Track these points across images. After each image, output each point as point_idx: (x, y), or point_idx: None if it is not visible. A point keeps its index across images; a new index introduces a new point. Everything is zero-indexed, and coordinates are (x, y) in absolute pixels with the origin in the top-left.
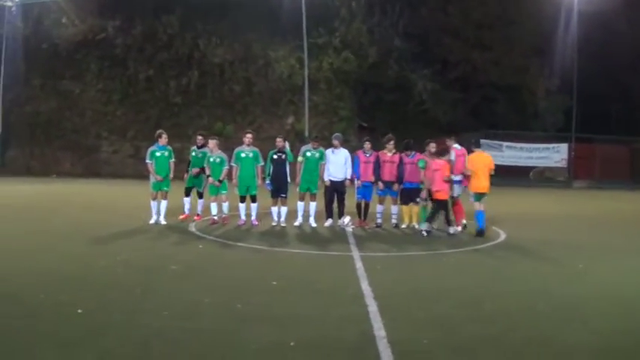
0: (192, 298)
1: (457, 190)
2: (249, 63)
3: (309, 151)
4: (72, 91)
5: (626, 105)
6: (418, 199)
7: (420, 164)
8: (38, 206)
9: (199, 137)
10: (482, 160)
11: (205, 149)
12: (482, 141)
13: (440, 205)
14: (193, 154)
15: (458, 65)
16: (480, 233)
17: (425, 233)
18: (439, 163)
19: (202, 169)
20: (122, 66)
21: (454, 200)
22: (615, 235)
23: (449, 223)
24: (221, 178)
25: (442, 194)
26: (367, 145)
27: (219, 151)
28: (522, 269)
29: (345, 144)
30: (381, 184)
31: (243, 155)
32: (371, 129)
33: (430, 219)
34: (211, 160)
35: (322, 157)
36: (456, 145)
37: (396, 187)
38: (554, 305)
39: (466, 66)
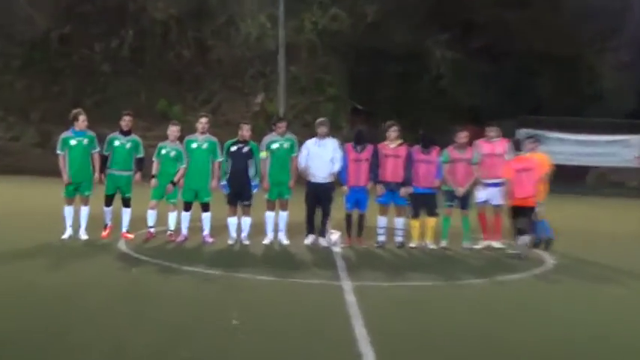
0: (120, 341)
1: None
2: (204, 20)
3: (274, 142)
4: None
5: None
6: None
7: (443, 158)
8: None
9: (126, 117)
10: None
11: (134, 136)
12: (519, 131)
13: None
14: (164, 150)
15: (486, 28)
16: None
17: (518, 254)
18: (530, 160)
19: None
20: (26, 21)
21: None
22: None
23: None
24: (175, 180)
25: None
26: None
27: (177, 142)
28: (573, 309)
29: (334, 133)
30: (380, 188)
31: (194, 146)
32: (368, 113)
33: (522, 234)
34: (163, 152)
35: (293, 147)
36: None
37: (403, 191)
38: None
39: (497, 29)
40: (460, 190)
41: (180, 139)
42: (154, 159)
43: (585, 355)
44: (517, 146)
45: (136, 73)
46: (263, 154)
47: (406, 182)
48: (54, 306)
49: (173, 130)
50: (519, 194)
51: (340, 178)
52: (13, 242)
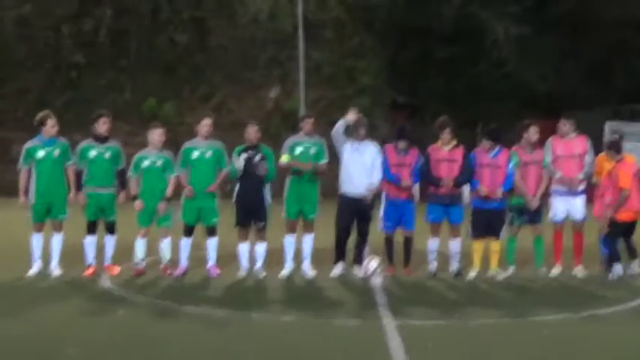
0: None
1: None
2: None
3: (298, 144)
4: None
5: None
6: None
7: (513, 161)
8: None
9: (103, 118)
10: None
11: (113, 144)
12: (609, 124)
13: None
14: (147, 162)
15: None
16: None
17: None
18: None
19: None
20: None
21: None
22: None
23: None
24: (168, 195)
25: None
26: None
27: (162, 149)
28: None
29: (370, 134)
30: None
31: (195, 155)
32: (413, 108)
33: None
34: (146, 163)
35: (322, 152)
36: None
37: (467, 196)
38: None
39: None
40: (533, 202)
41: (171, 145)
42: (131, 175)
43: None
44: (615, 147)
45: (117, 64)
46: (284, 159)
47: (459, 182)
48: None
49: (156, 135)
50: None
51: (391, 179)
52: None
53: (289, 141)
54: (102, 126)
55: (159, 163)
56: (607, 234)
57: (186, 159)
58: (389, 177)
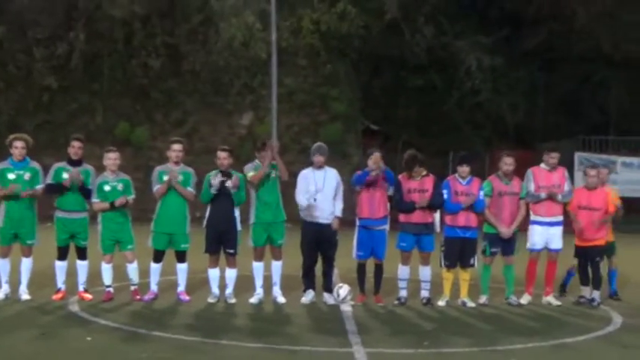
0: None
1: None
2: (177, 20)
3: (258, 166)
4: None
5: None
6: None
7: (486, 188)
8: None
9: (75, 143)
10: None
11: (85, 167)
12: (578, 155)
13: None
14: (107, 187)
15: (538, 25)
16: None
17: (595, 303)
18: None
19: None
20: None
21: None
22: None
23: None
24: (117, 203)
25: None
26: (374, 155)
27: (121, 173)
28: None
29: (343, 161)
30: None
31: (165, 178)
32: (386, 135)
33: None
34: (107, 188)
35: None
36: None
37: (437, 224)
38: None
39: (553, 27)
40: (506, 232)
41: (142, 169)
42: (94, 201)
43: None
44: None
45: (89, 87)
46: (251, 174)
47: (432, 205)
48: None
49: (111, 158)
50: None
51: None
52: None
53: (249, 166)
54: (74, 149)
55: (120, 186)
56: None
57: (161, 180)
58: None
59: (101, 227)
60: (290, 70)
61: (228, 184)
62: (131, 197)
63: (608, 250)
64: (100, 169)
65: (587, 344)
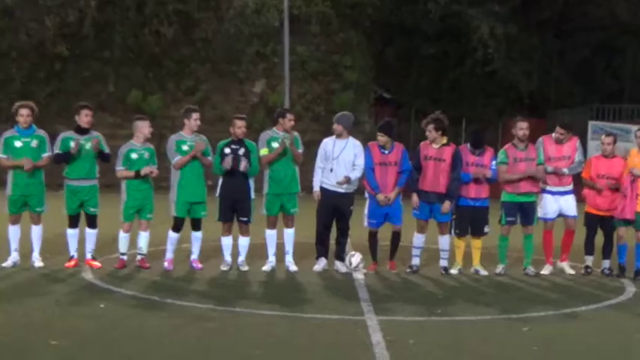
0: None
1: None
2: None
3: (275, 139)
4: None
5: None
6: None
7: (500, 157)
8: None
9: (87, 111)
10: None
11: (94, 134)
12: (593, 123)
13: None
14: (134, 155)
15: None
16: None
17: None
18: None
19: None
20: None
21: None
22: None
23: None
24: (142, 173)
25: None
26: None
27: (147, 142)
28: None
29: (354, 130)
30: (416, 200)
31: (185, 148)
32: (398, 104)
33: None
34: (134, 156)
35: (297, 143)
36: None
37: (446, 205)
38: None
39: None
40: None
41: (155, 138)
42: (119, 169)
43: None
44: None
45: (101, 56)
46: (263, 151)
47: (450, 194)
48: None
49: (143, 127)
50: None
51: (369, 183)
52: None
53: (265, 135)
54: (84, 118)
55: (146, 155)
56: None
57: (178, 151)
58: (371, 181)
59: (126, 196)
60: (302, 38)
61: (240, 153)
62: (154, 167)
63: (636, 222)
64: (112, 136)
65: (600, 313)
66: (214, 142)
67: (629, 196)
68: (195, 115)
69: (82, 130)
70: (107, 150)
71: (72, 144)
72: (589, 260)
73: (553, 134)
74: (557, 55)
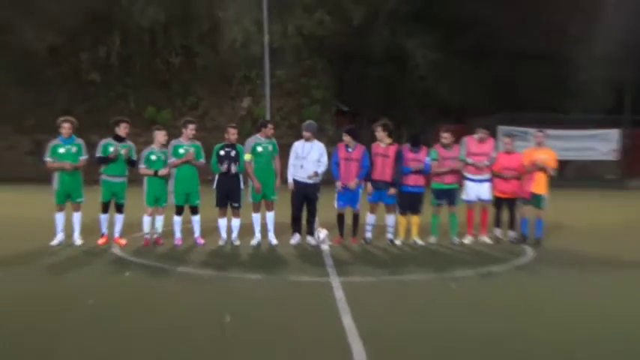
0: (116, 345)
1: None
2: (191, 27)
3: (258, 144)
4: None
5: None
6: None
7: (432, 154)
8: None
9: (124, 124)
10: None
11: (127, 142)
12: (502, 128)
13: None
14: (153, 157)
15: (470, 29)
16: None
17: (514, 240)
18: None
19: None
20: (15, 33)
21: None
22: None
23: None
24: (160, 173)
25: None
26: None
27: (163, 147)
28: (557, 300)
29: (319, 134)
30: (370, 188)
31: (181, 151)
32: (354, 114)
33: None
34: (153, 158)
35: (275, 148)
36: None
37: (392, 191)
38: (601, 350)
39: (482, 30)
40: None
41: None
42: (141, 167)
43: (562, 337)
44: None
45: (124, 80)
46: (247, 157)
47: (395, 182)
48: (47, 314)
49: (160, 135)
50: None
51: (333, 174)
52: (7, 250)
53: (252, 141)
54: (123, 129)
55: (163, 157)
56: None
57: (175, 154)
58: (335, 173)
59: (147, 188)
60: (279, 65)
61: (232, 169)
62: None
63: (536, 201)
64: (133, 142)
65: (507, 271)
66: (211, 145)
67: (526, 181)
68: (191, 126)
69: (119, 139)
70: (135, 157)
71: (111, 149)
72: (498, 232)
73: (475, 135)
74: (474, 76)
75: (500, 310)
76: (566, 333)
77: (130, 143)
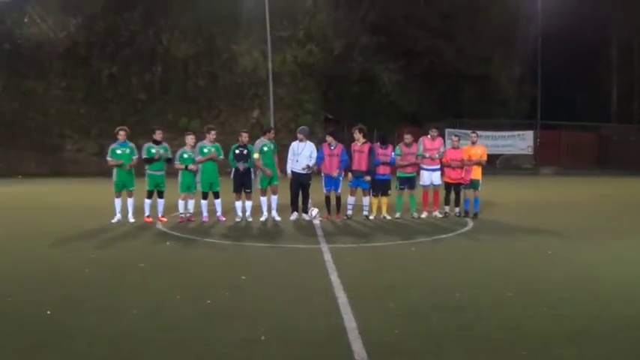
0: (161, 295)
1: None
2: (213, 57)
3: (265, 145)
4: (35, 90)
5: (592, 92)
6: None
7: (397, 151)
8: (2, 208)
9: (158, 131)
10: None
11: (164, 144)
12: (448, 130)
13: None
14: (186, 155)
15: (423, 56)
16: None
17: (458, 214)
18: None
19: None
20: (85, 64)
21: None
22: (582, 220)
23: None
24: (189, 168)
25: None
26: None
27: (192, 148)
28: (490, 257)
29: (311, 136)
30: (350, 176)
31: (205, 151)
32: (337, 121)
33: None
34: (185, 156)
35: (275, 148)
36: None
37: (367, 178)
38: (523, 292)
39: (432, 57)
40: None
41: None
42: (176, 163)
43: (489, 283)
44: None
45: (164, 98)
46: (256, 156)
47: (369, 172)
48: (109, 273)
49: (190, 139)
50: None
51: (320, 167)
52: (79, 227)
53: (259, 142)
54: (158, 135)
55: (193, 155)
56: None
57: (200, 153)
58: (319, 163)
59: (181, 179)
60: (280, 85)
61: (244, 152)
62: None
63: (474, 185)
64: (170, 145)
65: (453, 237)
66: (229, 145)
67: (466, 171)
68: (213, 132)
69: (156, 142)
70: (170, 156)
71: (153, 151)
72: (447, 208)
73: (429, 135)
74: (427, 91)
75: (447, 265)
76: (492, 280)
77: (165, 145)
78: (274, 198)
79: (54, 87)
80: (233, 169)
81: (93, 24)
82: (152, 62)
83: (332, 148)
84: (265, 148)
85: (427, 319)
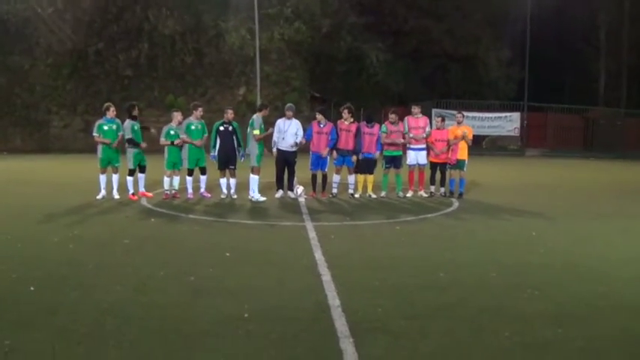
0: (145, 271)
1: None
2: (200, 34)
3: (262, 123)
4: (21, 66)
5: (579, 74)
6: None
7: (383, 129)
8: None
9: (135, 109)
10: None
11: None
12: (435, 110)
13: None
14: (172, 132)
15: (411, 36)
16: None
17: (443, 194)
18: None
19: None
20: (71, 40)
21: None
22: (567, 202)
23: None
24: (176, 143)
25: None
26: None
27: (179, 124)
28: (475, 237)
29: (297, 114)
30: (335, 153)
31: (192, 128)
32: (323, 99)
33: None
34: (171, 132)
35: (264, 126)
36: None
37: (354, 157)
38: (507, 273)
39: (420, 37)
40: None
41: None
42: (162, 139)
43: (474, 260)
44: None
45: (150, 75)
46: (257, 132)
47: (356, 151)
48: (94, 250)
49: (177, 115)
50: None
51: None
52: (64, 203)
53: (259, 120)
54: (133, 111)
55: (179, 132)
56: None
57: (187, 129)
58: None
59: (167, 155)
60: (267, 62)
61: (230, 129)
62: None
63: (460, 165)
64: (157, 122)
65: (439, 217)
66: (215, 122)
67: (452, 150)
68: (199, 109)
69: (133, 118)
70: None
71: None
72: (432, 188)
73: (412, 114)
74: (414, 71)
75: (432, 245)
76: (477, 261)
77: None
78: (254, 178)
79: (40, 63)
80: (218, 145)
81: (80, 0)
82: (139, 39)
83: (321, 126)
84: (263, 126)
85: (411, 298)
